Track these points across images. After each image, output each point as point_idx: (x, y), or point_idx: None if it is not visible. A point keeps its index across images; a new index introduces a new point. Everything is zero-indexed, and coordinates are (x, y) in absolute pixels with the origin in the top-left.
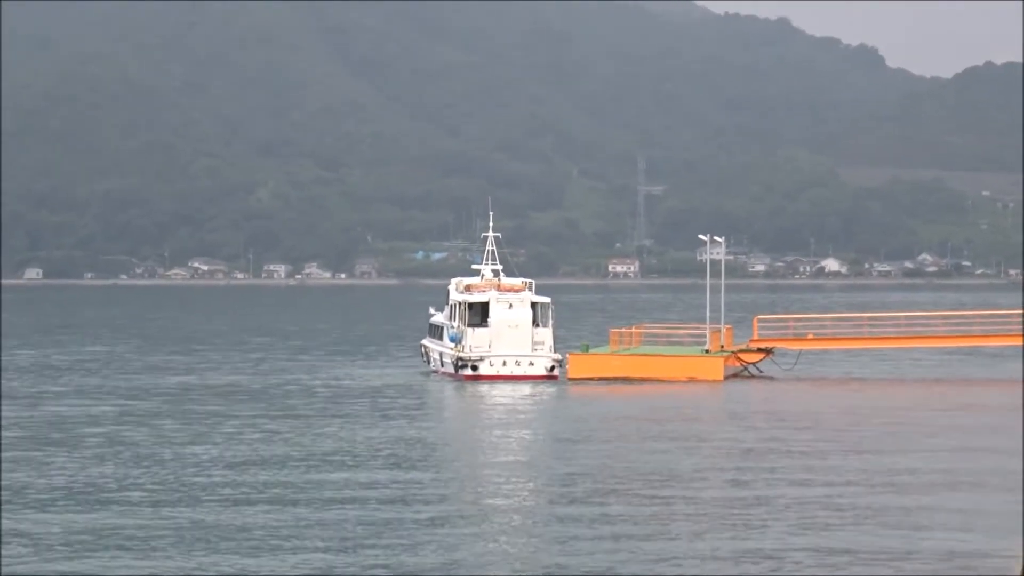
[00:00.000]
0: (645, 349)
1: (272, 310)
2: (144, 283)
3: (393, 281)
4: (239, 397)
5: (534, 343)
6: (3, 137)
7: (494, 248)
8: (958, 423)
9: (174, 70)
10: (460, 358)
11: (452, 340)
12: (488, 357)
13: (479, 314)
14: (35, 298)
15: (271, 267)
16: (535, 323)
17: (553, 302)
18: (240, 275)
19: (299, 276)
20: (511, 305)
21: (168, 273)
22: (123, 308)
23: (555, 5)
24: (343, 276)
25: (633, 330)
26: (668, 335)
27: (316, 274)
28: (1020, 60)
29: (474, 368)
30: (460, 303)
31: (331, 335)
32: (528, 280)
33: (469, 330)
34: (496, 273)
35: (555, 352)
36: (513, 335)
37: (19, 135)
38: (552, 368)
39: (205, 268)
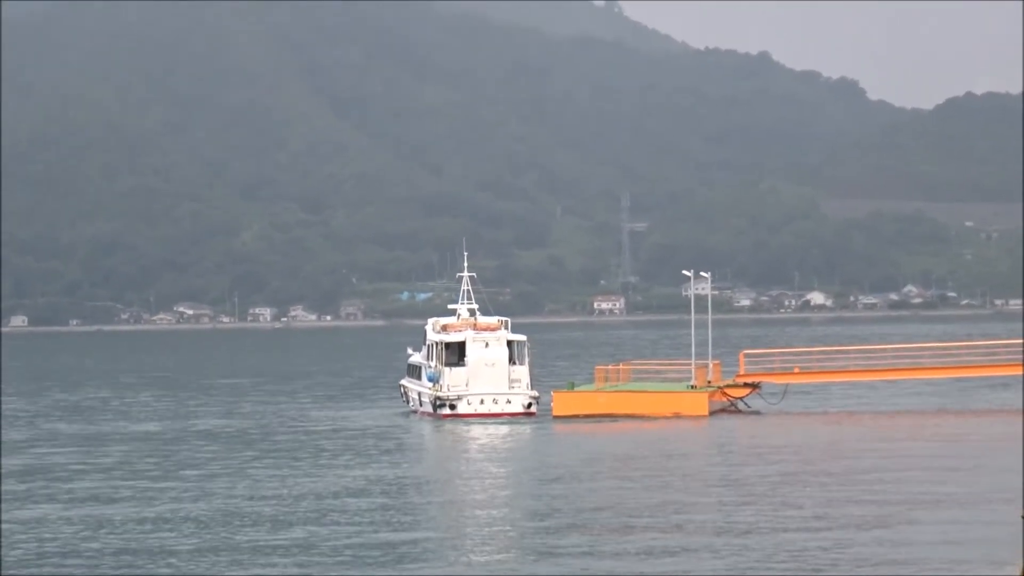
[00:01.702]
0: (629, 385)
1: (255, 353)
2: (129, 328)
3: (379, 322)
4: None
5: (511, 381)
6: None
7: (470, 288)
8: (948, 454)
9: (156, 112)
10: (438, 397)
11: (430, 379)
12: (466, 396)
13: (456, 353)
14: (24, 346)
15: (256, 310)
16: (512, 361)
17: (530, 340)
18: (226, 319)
19: (284, 319)
20: (487, 344)
21: (154, 318)
22: (112, 353)
23: (534, 41)
24: (329, 318)
25: (620, 367)
26: (655, 371)
27: (302, 316)
28: (1000, 91)
29: (452, 407)
30: (437, 343)
31: (315, 376)
32: (504, 319)
33: (446, 369)
34: (472, 312)
35: (532, 389)
36: (490, 373)
37: (2, 180)
38: (529, 405)
39: (191, 312)
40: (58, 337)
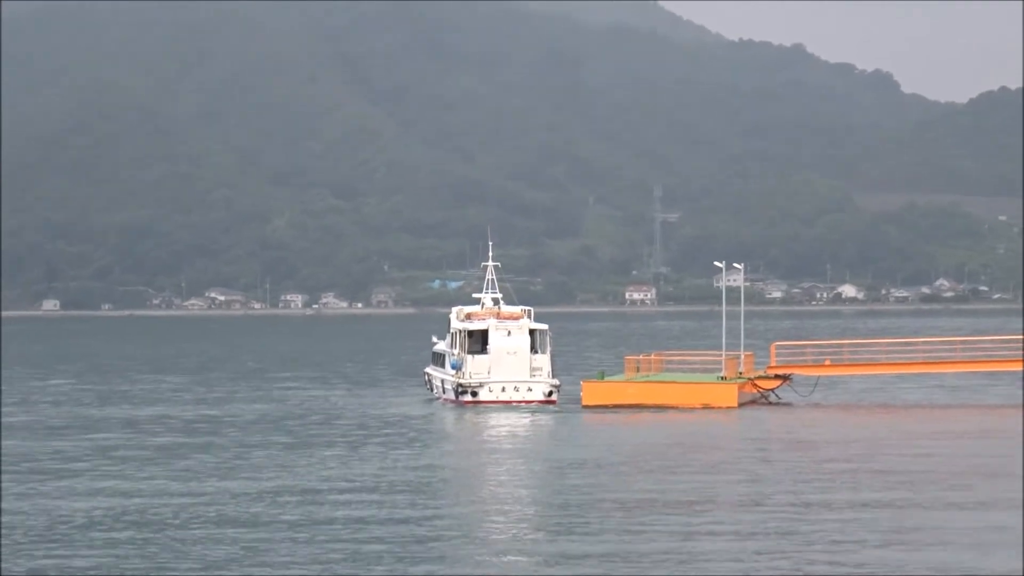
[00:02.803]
0: (659, 376)
1: (287, 339)
2: (160, 313)
3: (410, 310)
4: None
5: (532, 369)
6: (19, 169)
7: (494, 277)
8: (976, 450)
9: (190, 99)
10: (460, 384)
11: (453, 367)
12: (487, 383)
13: (479, 341)
14: (58, 330)
15: (288, 297)
16: (533, 350)
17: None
18: (257, 305)
19: (316, 306)
20: (510, 332)
21: (185, 304)
22: (149, 339)
23: (569, 31)
24: (360, 305)
25: (652, 357)
26: (685, 362)
27: (333, 304)
28: None
29: (474, 394)
30: (460, 331)
31: (343, 363)
32: (527, 308)
33: (469, 357)
34: (496, 301)
35: (553, 378)
36: (512, 362)
37: (36, 166)
38: (550, 393)
39: (222, 298)
40: (92, 321)
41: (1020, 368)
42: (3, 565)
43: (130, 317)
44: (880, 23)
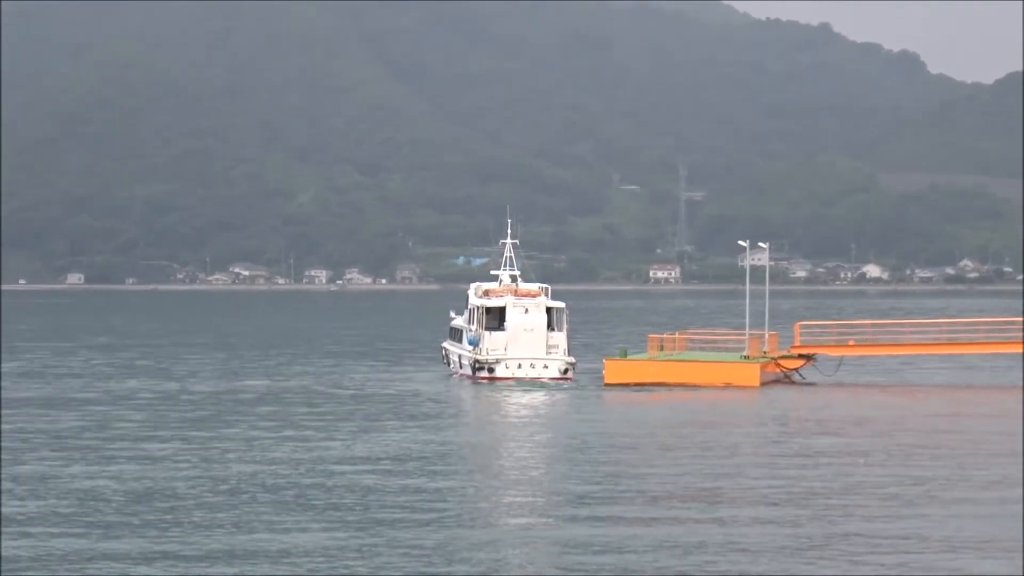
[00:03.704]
0: (681, 355)
1: (312, 314)
2: (184, 288)
3: (434, 286)
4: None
5: (548, 346)
6: (43, 143)
7: (512, 255)
8: (998, 430)
9: (214, 75)
10: (477, 360)
11: (470, 343)
12: (504, 360)
13: (496, 318)
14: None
15: (312, 272)
16: (550, 327)
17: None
18: (281, 280)
19: (340, 281)
20: (527, 310)
21: (209, 278)
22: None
23: (594, 10)
24: (384, 281)
25: (676, 336)
26: (709, 341)
27: (357, 279)
28: None
29: (490, 370)
30: (478, 307)
31: (363, 337)
32: (544, 286)
33: (486, 333)
34: (514, 279)
35: (569, 355)
36: (528, 338)
37: (59, 140)
38: (566, 371)
39: (246, 273)
40: (117, 295)
41: None
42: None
43: (154, 291)
44: (907, 3)
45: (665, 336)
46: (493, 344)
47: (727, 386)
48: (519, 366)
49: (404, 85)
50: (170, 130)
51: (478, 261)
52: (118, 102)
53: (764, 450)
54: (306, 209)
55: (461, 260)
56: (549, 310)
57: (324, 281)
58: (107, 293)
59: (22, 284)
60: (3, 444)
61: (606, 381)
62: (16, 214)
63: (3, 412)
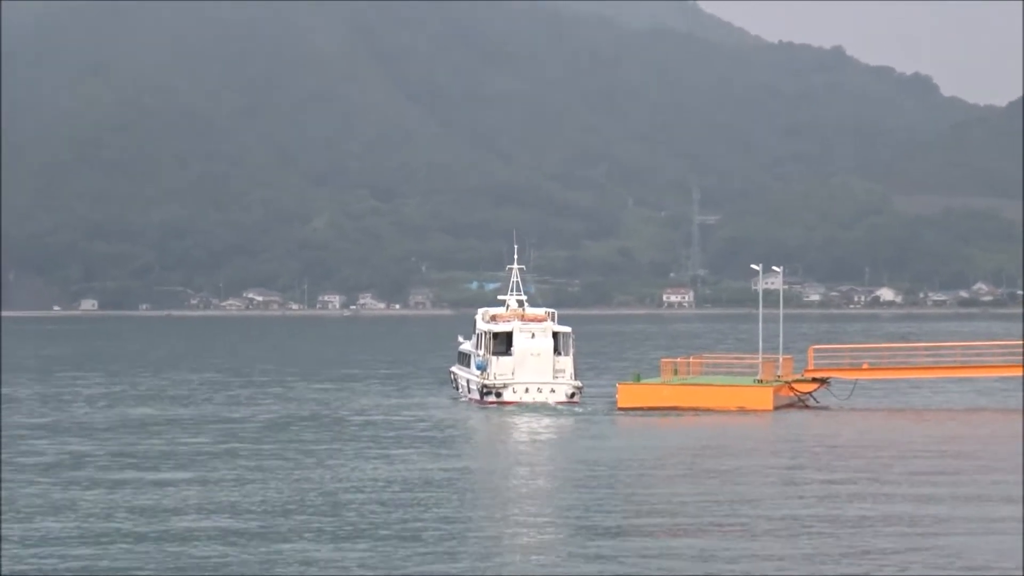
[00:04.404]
0: (694, 379)
1: (326, 340)
2: (198, 314)
3: (447, 311)
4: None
5: (555, 371)
6: (58, 166)
7: (519, 280)
8: (1008, 454)
9: (229, 99)
10: (485, 385)
11: (478, 367)
12: (511, 384)
13: (503, 343)
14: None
15: (326, 297)
16: (556, 351)
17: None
18: (295, 306)
19: (354, 306)
20: (533, 334)
21: (223, 304)
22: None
23: (608, 33)
24: (397, 306)
25: (690, 360)
26: (722, 365)
27: (370, 304)
28: None
29: (498, 395)
30: (485, 332)
31: (376, 363)
32: (550, 310)
33: (493, 358)
34: (520, 303)
35: (576, 380)
36: (535, 363)
37: (74, 164)
38: (572, 395)
39: (260, 299)
40: (132, 321)
41: None
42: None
43: (168, 317)
44: (920, 26)
45: (679, 360)
46: (500, 369)
47: (740, 410)
48: (526, 390)
49: (418, 108)
50: (185, 154)
51: (491, 286)
52: (133, 126)
53: (773, 479)
54: (320, 234)
55: (475, 285)
56: (555, 335)
57: (338, 306)
58: (121, 319)
59: (57, 311)
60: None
61: (619, 406)
62: (32, 239)
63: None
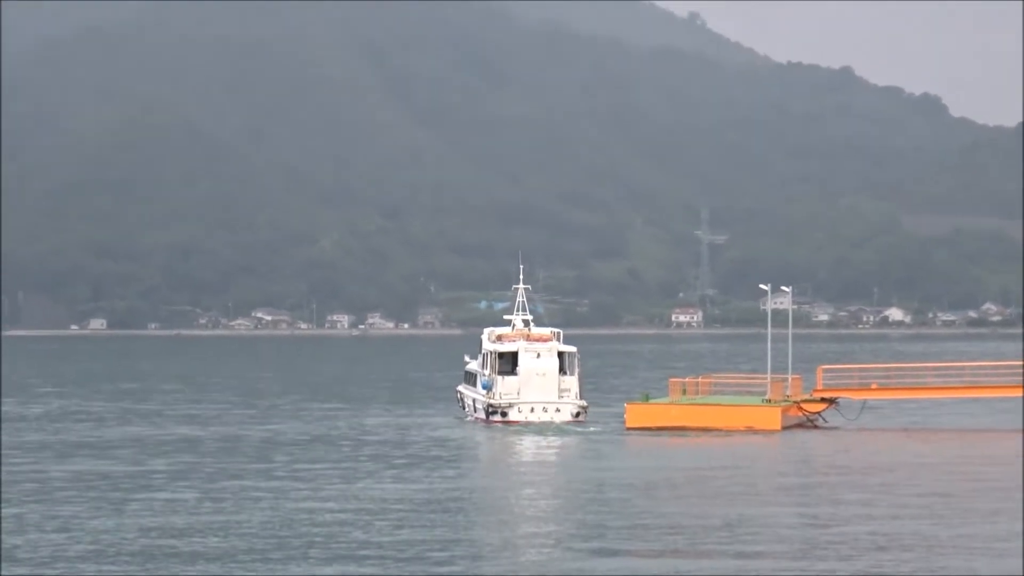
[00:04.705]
0: (703, 399)
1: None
2: (207, 333)
3: (456, 331)
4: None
5: (560, 390)
6: (66, 187)
7: (524, 300)
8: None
9: (236, 118)
10: (491, 404)
11: (484, 387)
12: (517, 404)
13: (509, 363)
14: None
15: (334, 317)
16: (562, 371)
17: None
18: (303, 325)
19: (362, 326)
20: (539, 354)
21: (231, 323)
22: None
23: (616, 53)
24: (406, 326)
25: (699, 380)
26: (731, 385)
27: (379, 324)
28: None
29: (503, 414)
30: (491, 352)
31: (383, 381)
32: (556, 330)
33: (499, 378)
34: (526, 323)
35: (581, 399)
36: (540, 383)
37: (82, 184)
38: (577, 414)
39: (268, 318)
40: (144, 340)
41: None
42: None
43: (177, 336)
44: (928, 47)
45: (687, 380)
46: (506, 388)
47: (749, 430)
48: (531, 410)
49: (427, 128)
50: (193, 174)
51: (500, 305)
52: (141, 146)
53: (777, 498)
54: (329, 253)
55: (483, 304)
56: (561, 354)
57: (346, 326)
58: (132, 339)
59: (75, 330)
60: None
61: (628, 425)
62: (40, 258)
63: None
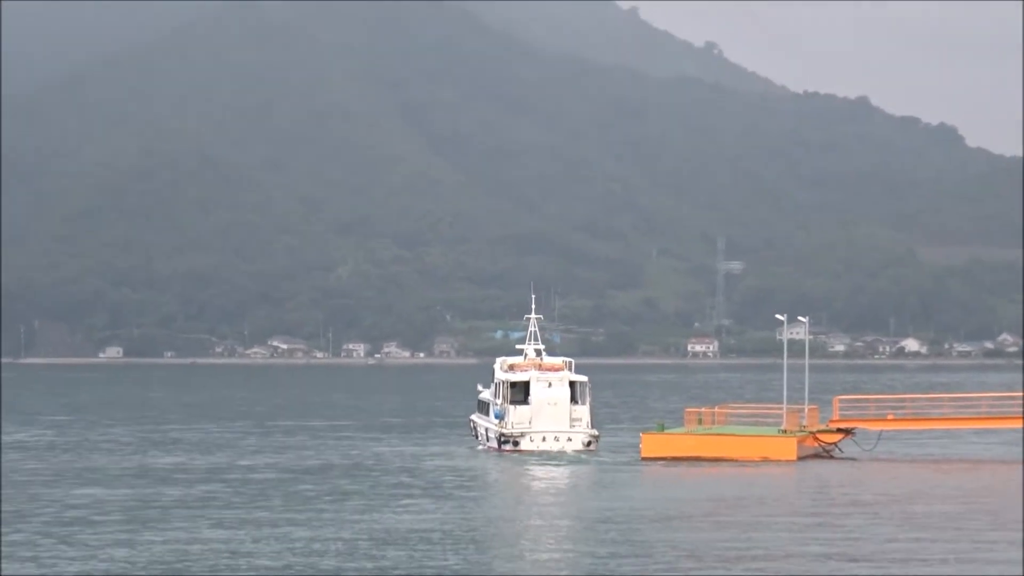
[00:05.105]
0: (718, 429)
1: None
2: (223, 361)
3: (472, 360)
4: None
5: (572, 420)
6: (84, 215)
7: (536, 330)
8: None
9: (253, 147)
10: (503, 433)
11: (496, 416)
12: (528, 433)
13: (521, 392)
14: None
15: (350, 346)
16: (573, 400)
17: (591, 381)
18: (320, 354)
19: (378, 355)
20: (551, 384)
21: (248, 352)
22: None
23: (633, 83)
24: (422, 355)
25: (715, 409)
26: (749, 415)
27: (395, 353)
28: None
29: (515, 443)
30: (503, 381)
31: (395, 410)
32: (568, 359)
33: (511, 407)
34: (538, 353)
35: (592, 428)
36: (552, 412)
37: (100, 212)
38: (589, 443)
39: (284, 347)
40: (160, 369)
41: None
42: None
43: (192, 365)
44: (946, 77)
45: (703, 410)
46: (518, 418)
47: (764, 460)
48: (543, 439)
49: (443, 157)
50: (210, 202)
51: (516, 334)
52: (158, 174)
53: (792, 533)
54: (345, 283)
55: (499, 334)
56: (572, 384)
57: (362, 355)
58: (147, 367)
59: (102, 358)
60: None
61: (643, 455)
62: (57, 286)
63: None
